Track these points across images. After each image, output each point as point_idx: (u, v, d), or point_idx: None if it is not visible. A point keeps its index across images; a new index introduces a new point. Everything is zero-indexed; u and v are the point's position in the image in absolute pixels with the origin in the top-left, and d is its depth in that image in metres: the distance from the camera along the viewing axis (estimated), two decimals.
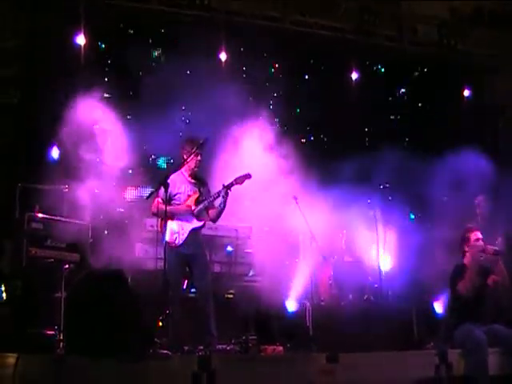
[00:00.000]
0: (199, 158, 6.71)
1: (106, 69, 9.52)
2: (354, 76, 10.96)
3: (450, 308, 6.35)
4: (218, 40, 9.83)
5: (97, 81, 8.40)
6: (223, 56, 9.99)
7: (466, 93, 11.63)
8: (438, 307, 7.95)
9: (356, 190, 8.55)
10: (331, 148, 11.03)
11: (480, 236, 6.24)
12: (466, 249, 6.25)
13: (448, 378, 5.59)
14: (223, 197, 6.54)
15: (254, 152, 7.88)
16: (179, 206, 6.58)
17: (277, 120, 10.17)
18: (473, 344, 5.69)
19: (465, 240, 6.29)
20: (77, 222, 7.13)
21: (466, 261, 6.23)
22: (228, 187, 6.55)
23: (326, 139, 11.36)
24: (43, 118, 8.20)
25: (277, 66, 10.92)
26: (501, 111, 12.06)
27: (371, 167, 9.53)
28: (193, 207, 6.60)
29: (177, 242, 6.47)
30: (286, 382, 5.06)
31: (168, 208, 6.36)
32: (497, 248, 6.20)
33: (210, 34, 9.72)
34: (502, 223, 7.97)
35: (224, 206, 6.60)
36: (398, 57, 11.40)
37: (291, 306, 7.43)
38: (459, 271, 6.16)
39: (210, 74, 9.17)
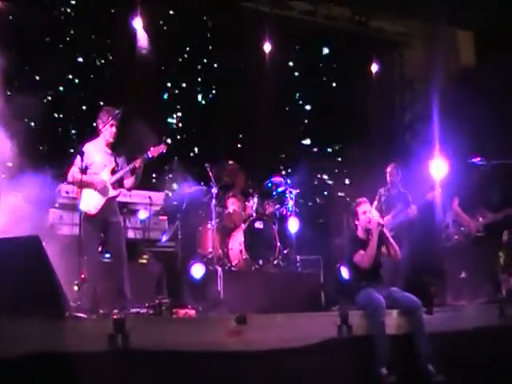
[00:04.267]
0: (114, 129, 6.79)
1: None
2: (268, 48, 11.03)
3: (351, 274, 6.74)
4: None
5: None
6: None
7: (375, 67, 11.98)
8: (344, 272, 8.33)
9: None
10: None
11: (367, 208, 6.64)
12: (356, 222, 6.65)
13: (349, 337, 6.00)
14: (138, 167, 6.70)
15: None
16: (95, 176, 6.65)
17: None
18: (372, 306, 6.08)
19: (354, 214, 6.67)
20: None
21: (358, 233, 6.64)
22: (144, 158, 6.71)
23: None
24: None
25: None
26: (409, 84, 12.57)
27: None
28: (108, 177, 6.70)
29: (92, 210, 6.56)
30: (196, 342, 5.30)
31: (84, 177, 6.44)
32: (380, 220, 6.58)
33: None
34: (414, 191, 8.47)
35: (139, 176, 6.77)
36: (312, 31, 11.60)
37: (203, 271, 7.62)
38: (353, 243, 6.63)
39: None
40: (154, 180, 9.36)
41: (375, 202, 8.57)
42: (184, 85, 11.10)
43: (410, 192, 8.49)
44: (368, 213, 6.60)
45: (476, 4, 10.10)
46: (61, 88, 9.96)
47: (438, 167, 8.42)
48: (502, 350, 6.48)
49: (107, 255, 7.08)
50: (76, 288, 5.96)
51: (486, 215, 8.18)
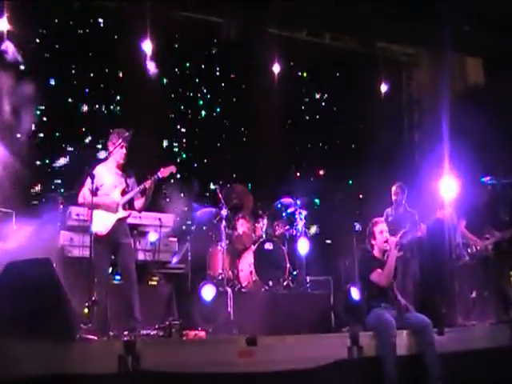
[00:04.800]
0: (124, 150, 6.86)
1: None
2: (277, 69, 11.05)
3: (363, 294, 6.72)
4: None
5: None
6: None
7: (384, 88, 12.03)
8: (355, 293, 8.33)
9: None
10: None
11: (384, 228, 6.58)
12: (373, 242, 6.60)
13: (359, 358, 5.99)
14: (149, 188, 6.75)
15: None
16: (105, 197, 6.70)
17: None
18: (382, 327, 6.04)
19: (371, 233, 6.63)
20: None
21: (374, 253, 6.59)
22: (154, 179, 6.77)
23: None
24: None
25: None
26: (417, 104, 12.61)
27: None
28: (119, 198, 6.76)
29: (103, 231, 6.60)
30: (207, 363, 5.32)
31: (95, 199, 6.47)
32: (397, 240, 6.55)
33: None
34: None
35: (149, 197, 6.82)
36: (320, 52, 11.67)
37: (213, 292, 7.64)
38: (369, 262, 6.56)
39: None
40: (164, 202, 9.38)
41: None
42: (191, 105, 11.19)
43: (418, 211, 8.48)
44: (385, 232, 6.56)
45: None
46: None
47: (448, 187, 8.41)
48: None
49: (117, 277, 7.13)
50: (86, 310, 5.99)
51: (494, 234, 8.19)
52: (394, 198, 8.67)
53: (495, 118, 9.32)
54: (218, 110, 11.48)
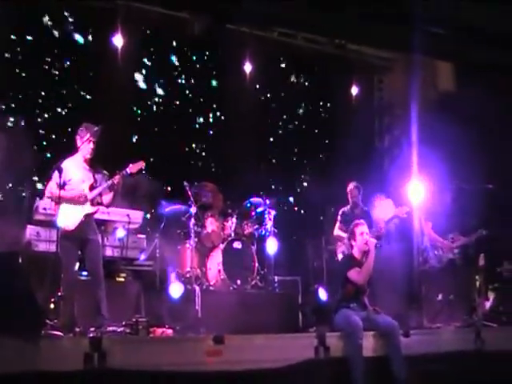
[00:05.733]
0: (92, 145, 6.78)
1: None
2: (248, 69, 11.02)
3: (335, 293, 6.78)
4: None
5: None
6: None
7: (355, 90, 12.07)
8: (322, 294, 8.38)
9: None
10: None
11: (365, 230, 6.77)
12: (353, 243, 6.78)
13: (326, 359, 6.01)
14: (117, 184, 6.70)
15: None
16: (73, 192, 6.63)
17: None
18: (350, 328, 6.12)
19: (352, 234, 6.82)
20: None
21: (354, 253, 6.76)
22: (122, 175, 6.71)
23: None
24: None
25: None
26: (388, 109, 12.69)
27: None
28: (87, 193, 6.68)
29: (70, 227, 6.52)
30: (173, 362, 5.29)
31: (62, 193, 6.40)
32: (376, 242, 6.72)
33: None
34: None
35: (118, 193, 6.76)
36: (292, 53, 11.71)
37: (181, 290, 7.59)
38: (348, 260, 6.79)
39: None
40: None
41: (337, 223, 8.64)
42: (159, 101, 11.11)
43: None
44: (365, 234, 6.74)
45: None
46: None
47: (416, 191, 8.49)
48: (477, 374, 6.52)
49: (84, 273, 7.02)
50: (53, 306, 5.91)
51: (459, 238, 8.29)
52: (350, 197, 8.73)
53: (464, 124, 9.42)
54: (190, 108, 11.39)
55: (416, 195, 8.50)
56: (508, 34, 9.76)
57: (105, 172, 6.94)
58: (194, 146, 11.12)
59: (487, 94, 9.24)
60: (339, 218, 8.74)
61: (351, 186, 8.79)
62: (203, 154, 11.18)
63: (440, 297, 8.04)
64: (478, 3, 9.24)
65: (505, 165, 9.78)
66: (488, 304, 8.68)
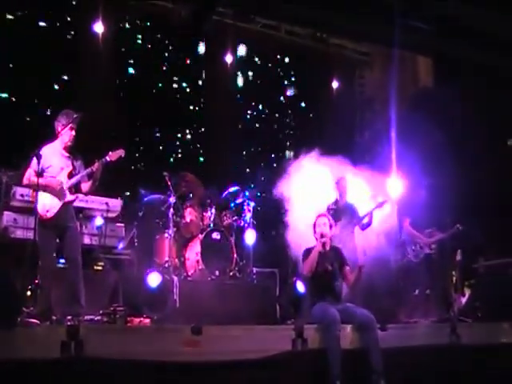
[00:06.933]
0: (73, 132, 6.71)
1: None
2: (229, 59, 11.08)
3: (306, 288, 6.80)
4: None
5: None
6: None
7: (335, 84, 12.10)
8: (300, 286, 8.38)
9: None
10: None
11: (324, 221, 6.69)
12: (314, 235, 6.72)
13: (303, 351, 6.03)
14: (96, 171, 6.64)
15: None
16: (51, 179, 6.56)
17: None
18: (327, 320, 6.09)
19: (313, 226, 6.76)
20: None
21: (316, 245, 6.64)
22: (102, 162, 6.65)
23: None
24: None
25: None
26: (369, 104, 12.74)
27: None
28: (65, 181, 6.62)
29: (48, 214, 6.45)
30: (150, 351, 5.26)
31: (40, 180, 6.33)
32: (329, 234, 6.64)
33: None
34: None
35: (97, 180, 6.70)
36: (275, 45, 11.69)
37: (159, 279, 7.56)
38: (305, 254, 6.66)
39: None
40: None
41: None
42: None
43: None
44: (322, 226, 6.66)
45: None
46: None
47: (394, 187, 8.53)
48: (452, 368, 6.59)
49: (62, 261, 6.95)
50: (29, 293, 5.85)
51: (436, 233, 8.36)
52: (337, 191, 8.68)
53: (442, 120, 9.50)
54: (172, 98, 11.33)
55: (394, 190, 8.55)
56: (488, 33, 9.89)
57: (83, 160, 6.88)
58: (175, 135, 11.01)
59: (466, 89, 9.32)
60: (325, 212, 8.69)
61: (340, 179, 8.71)
62: (184, 144, 11.10)
63: (417, 292, 8.12)
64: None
65: (478, 161, 9.92)
66: (464, 299, 8.79)
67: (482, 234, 9.15)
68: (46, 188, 6.49)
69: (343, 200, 8.54)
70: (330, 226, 6.73)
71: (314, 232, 6.73)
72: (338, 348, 5.99)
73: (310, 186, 8.75)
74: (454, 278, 8.51)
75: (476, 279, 9.11)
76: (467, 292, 8.89)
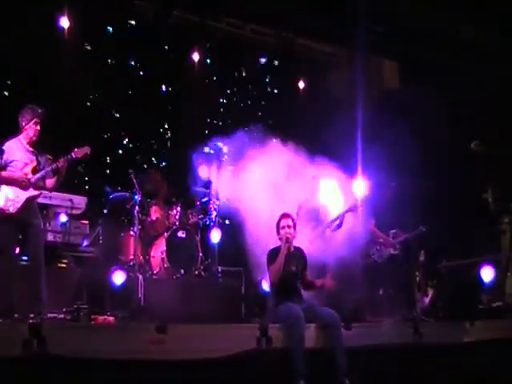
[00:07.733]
0: (38, 127, 6.63)
1: None
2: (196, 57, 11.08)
3: (270, 288, 6.76)
4: None
5: None
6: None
7: (302, 84, 12.13)
8: (265, 285, 8.37)
9: None
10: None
11: (288, 223, 6.54)
12: (278, 236, 6.60)
13: (268, 349, 6.03)
14: (61, 167, 6.56)
15: None
16: (15, 173, 6.46)
17: None
18: (291, 319, 6.06)
19: (277, 226, 6.63)
20: None
21: (279, 247, 6.53)
22: (67, 159, 6.58)
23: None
24: None
25: None
26: (334, 104, 12.77)
27: None
28: (30, 176, 6.52)
29: (11, 209, 6.35)
30: (114, 350, 5.20)
31: (3, 174, 6.27)
32: (289, 236, 6.50)
33: None
34: None
35: (62, 177, 6.62)
36: (239, 43, 11.67)
37: (123, 277, 7.50)
38: (271, 256, 6.52)
39: None
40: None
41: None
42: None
43: None
44: (287, 228, 6.54)
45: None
46: None
47: (359, 188, 8.58)
48: (414, 366, 6.66)
49: (24, 258, 6.85)
50: None
51: (399, 234, 8.45)
52: (309, 190, 8.69)
53: (407, 121, 9.59)
54: (137, 93, 11.22)
55: (360, 191, 8.59)
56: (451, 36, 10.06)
57: (48, 156, 6.79)
58: (139, 134, 10.94)
59: (430, 91, 9.43)
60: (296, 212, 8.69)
61: (312, 178, 8.69)
62: (149, 142, 11.04)
63: (381, 291, 8.19)
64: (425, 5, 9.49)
65: (441, 163, 10.04)
66: (427, 299, 8.90)
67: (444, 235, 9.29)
68: (9, 182, 6.39)
69: (314, 200, 8.57)
70: (294, 226, 6.62)
71: (278, 233, 6.61)
72: (302, 346, 5.98)
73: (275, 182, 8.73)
74: (418, 279, 8.61)
75: (439, 279, 9.22)
76: (430, 292, 9.00)
